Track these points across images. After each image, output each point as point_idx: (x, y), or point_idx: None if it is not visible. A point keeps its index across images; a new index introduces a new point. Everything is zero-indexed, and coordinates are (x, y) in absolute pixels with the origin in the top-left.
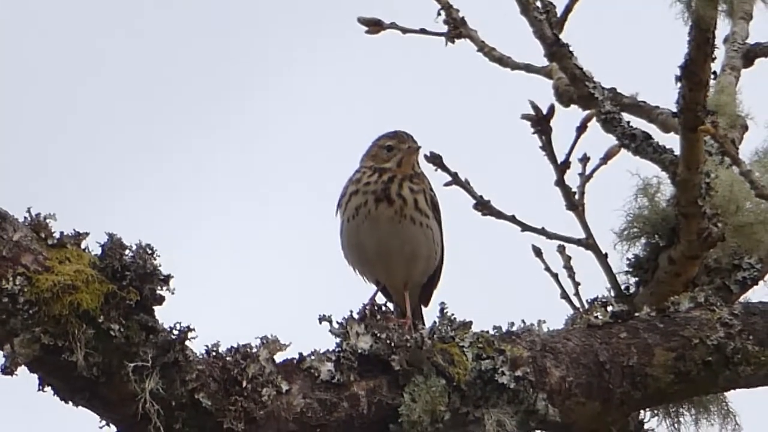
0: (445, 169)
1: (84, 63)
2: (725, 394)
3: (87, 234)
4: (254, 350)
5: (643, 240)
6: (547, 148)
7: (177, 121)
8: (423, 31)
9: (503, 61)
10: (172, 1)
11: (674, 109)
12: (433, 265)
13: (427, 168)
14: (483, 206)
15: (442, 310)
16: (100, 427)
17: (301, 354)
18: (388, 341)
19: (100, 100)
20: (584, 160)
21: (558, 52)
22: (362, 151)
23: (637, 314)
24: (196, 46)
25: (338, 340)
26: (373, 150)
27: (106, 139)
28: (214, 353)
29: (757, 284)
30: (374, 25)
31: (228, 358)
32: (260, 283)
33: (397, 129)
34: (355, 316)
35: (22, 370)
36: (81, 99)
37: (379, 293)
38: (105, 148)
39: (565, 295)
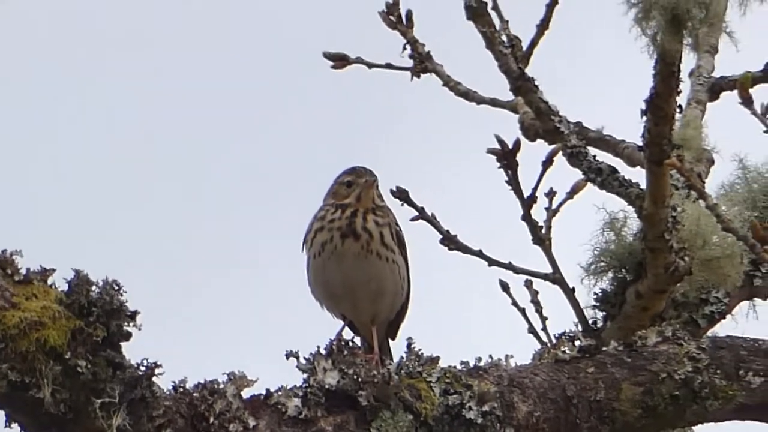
0: (411, 203)
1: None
2: (693, 428)
3: (53, 270)
4: (221, 386)
5: (610, 274)
6: (513, 182)
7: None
8: (389, 66)
9: (469, 95)
10: None
11: (640, 143)
12: (400, 300)
13: (393, 203)
14: (450, 241)
15: (409, 345)
16: None
17: (268, 390)
18: (355, 377)
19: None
20: (550, 194)
21: (523, 86)
22: (324, 190)
23: (604, 349)
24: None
25: (305, 375)
26: (334, 188)
27: (76, 176)
28: (181, 389)
29: (724, 318)
30: (340, 60)
31: (195, 394)
32: (226, 319)
33: (356, 165)
34: (323, 351)
35: None
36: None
37: (347, 328)
38: (72, 184)
39: (532, 330)
